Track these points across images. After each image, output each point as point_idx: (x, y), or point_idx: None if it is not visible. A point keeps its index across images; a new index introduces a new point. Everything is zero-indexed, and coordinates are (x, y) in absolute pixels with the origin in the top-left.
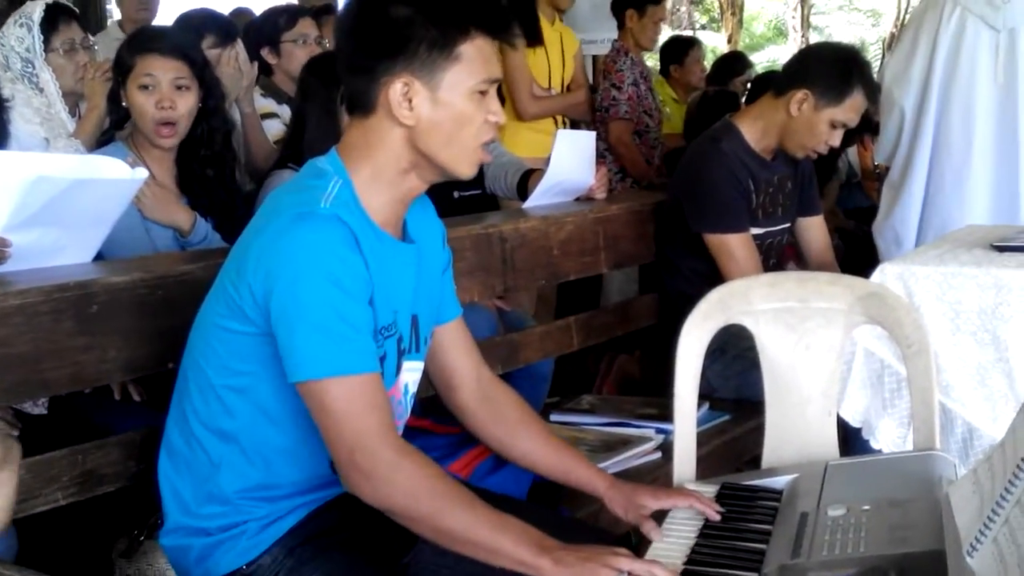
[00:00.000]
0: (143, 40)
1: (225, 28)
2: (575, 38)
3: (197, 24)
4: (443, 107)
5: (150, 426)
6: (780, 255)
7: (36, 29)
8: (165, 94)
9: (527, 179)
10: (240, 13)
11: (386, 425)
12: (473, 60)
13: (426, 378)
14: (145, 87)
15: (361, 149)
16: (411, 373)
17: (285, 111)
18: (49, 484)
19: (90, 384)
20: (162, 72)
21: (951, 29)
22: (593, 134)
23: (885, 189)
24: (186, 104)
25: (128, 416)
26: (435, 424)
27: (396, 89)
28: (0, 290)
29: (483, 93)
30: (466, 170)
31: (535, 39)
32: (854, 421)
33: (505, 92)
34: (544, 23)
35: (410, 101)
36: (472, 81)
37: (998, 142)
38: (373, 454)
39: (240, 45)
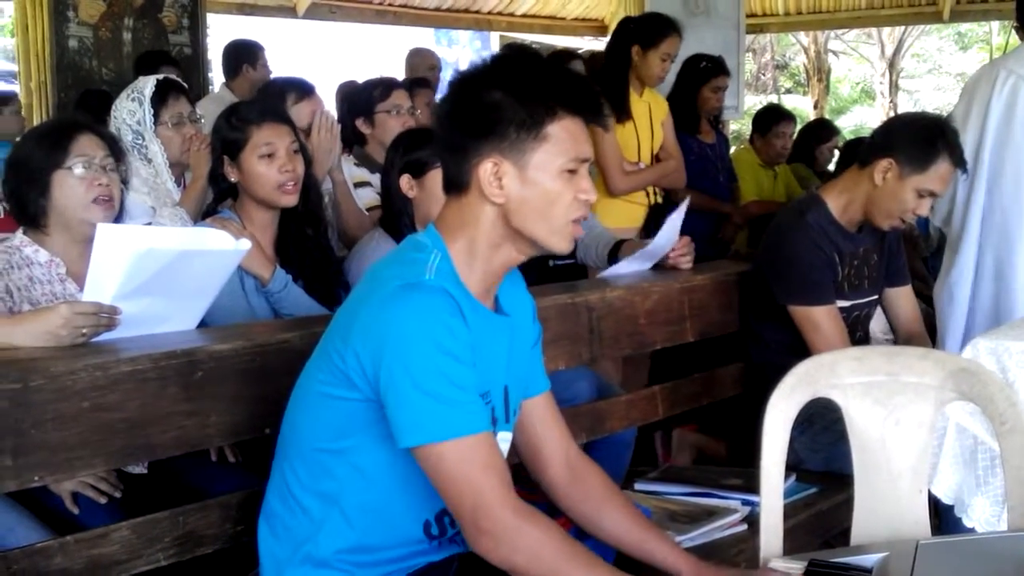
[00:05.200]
0: (252, 113)
1: (300, 84)
2: (664, 104)
3: (278, 89)
4: (532, 186)
5: (248, 489)
6: (867, 327)
7: (147, 103)
8: (285, 159)
9: (617, 250)
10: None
11: (504, 484)
12: (561, 140)
13: (510, 449)
14: (266, 156)
15: (457, 225)
16: (503, 444)
17: (378, 180)
18: (151, 545)
19: (192, 448)
20: (279, 139)
21: (1004, 97)
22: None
23: (945, 252)
24: (301, 165)
25: (224, 478)
26: (524, 492)
27: (486, 169)
28: (112, 357)
29: (572, 171)
30: (560, 245)
31: (624, 114)
32: (946, 498)
33: (596, 168)
34: (633, 95)
35: (500, 180)
36: (560, 160)
37: None
38: (495, 515)
39: (330, 113)
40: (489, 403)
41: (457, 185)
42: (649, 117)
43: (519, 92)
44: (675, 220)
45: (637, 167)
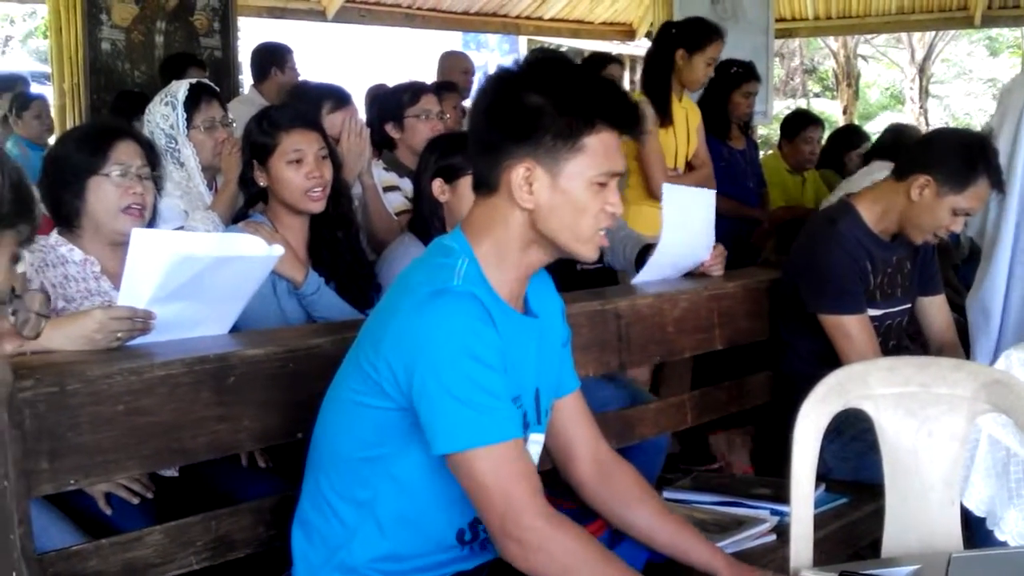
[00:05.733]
0: (282, 118)
1: (339, 94)
2: (698, 111)
3: (314, 96)
4: (562, 194)
5: (277, 493)
6: (900, 336)
7: (180, 107)
8: (313, 166)
9: (645, 253)
10: (377, 90)
11: (534, 491)
12: (596, 152)
13: (543, 452)
14: (294, 161)
15: (484, 226)
16: (534, 446)
17: (407, 184)
18: (184, 548)
19: (225, 452)
20: (307, 145)
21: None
22: (713, 192)
23: (980, 264)
24: (330, 171)
25: (254, 482)
26: (552, 498)
27: (518, 173)
28: (146, 361)
29: (602, 184)
30: (586, 252)
31: (667, 119)
32: (978, 510)
33: (632, 171)
34: (673, 100)
35: (531, 185)
36: (592, 172)
37: None
38: (524, 522)
39: (360, 117)
40: (520, 407)
41: (487, 185)
42: (686, 123)
43: (561, 100)
44: (707, 214)
45: (676, 172)
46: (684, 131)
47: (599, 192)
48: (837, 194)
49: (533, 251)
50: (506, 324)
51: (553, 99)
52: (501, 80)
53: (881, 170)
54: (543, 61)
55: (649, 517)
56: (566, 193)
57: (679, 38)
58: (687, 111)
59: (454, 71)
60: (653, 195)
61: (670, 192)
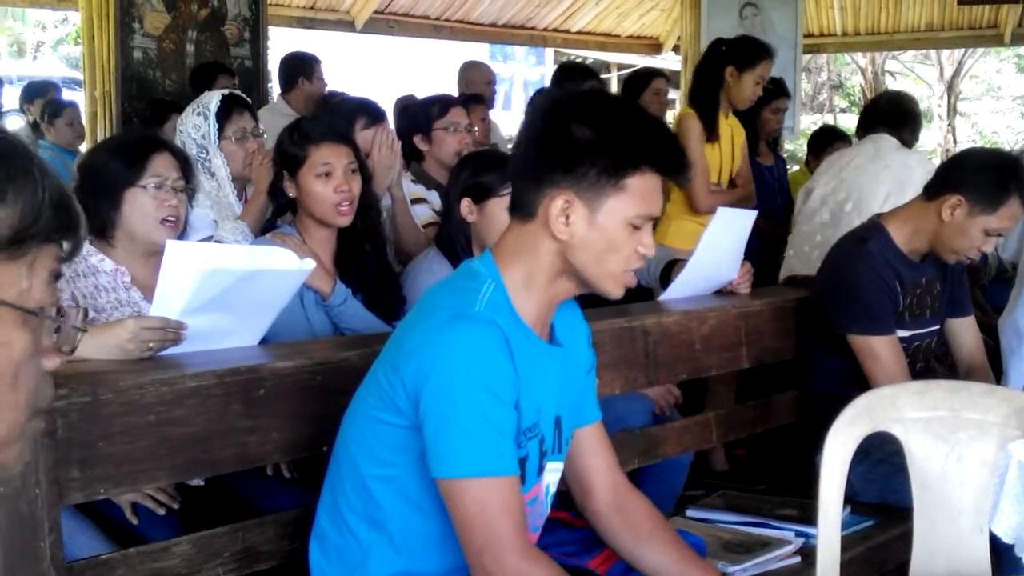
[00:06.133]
0: (312, 131)
1: (374, 111)
2: (742, 130)
3: (348, 110)
4: (597, 230)
5: (303, 505)
6: (928, 358)
7: (212, 118)
8: (342, 179)
9: (670, 269)
10: (404, 101)
11: (517, 529)
12: (637, 194)
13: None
14: (323, 175)
15: (515, 252)
16: (552, 473)
17: (434, 197)
18: (211, 559)
19: (253, 464)
20: (336, 159)
21: None
22: (754, 213)
23: (1016, 284)
24: (358, 185)
25: (279, 493)
26: (573, 518)
27: (557, 204)
28: (177, 372)
29: (637, 227)
30: (612, 290)
31: (714, 135)
32: (1007, 537)
33: (674, 186)
34: (720, 117)
35: (567, 217)
36: (631, 212)
37: None
38: (501, 560)
39: (392, 130)
40: (537, 434)
41: (524, 211)
42: (731, 140)
43: (610, 137)
44: (743, 234)
45: (719, 188)
46: (729, 148)
47: (633, 233)
48: (838, 164)
49: (561, 282)
50: (529, 351)
51: (602, 135)
52: (551, 108)
53: (888, 143)
54: (595, 94)
55: (660, 552)
56: (602, 230)
57: (729, 55)
58: (733, 128)
59: (478, 82)
60: (694, 210)
61: (722, 214)
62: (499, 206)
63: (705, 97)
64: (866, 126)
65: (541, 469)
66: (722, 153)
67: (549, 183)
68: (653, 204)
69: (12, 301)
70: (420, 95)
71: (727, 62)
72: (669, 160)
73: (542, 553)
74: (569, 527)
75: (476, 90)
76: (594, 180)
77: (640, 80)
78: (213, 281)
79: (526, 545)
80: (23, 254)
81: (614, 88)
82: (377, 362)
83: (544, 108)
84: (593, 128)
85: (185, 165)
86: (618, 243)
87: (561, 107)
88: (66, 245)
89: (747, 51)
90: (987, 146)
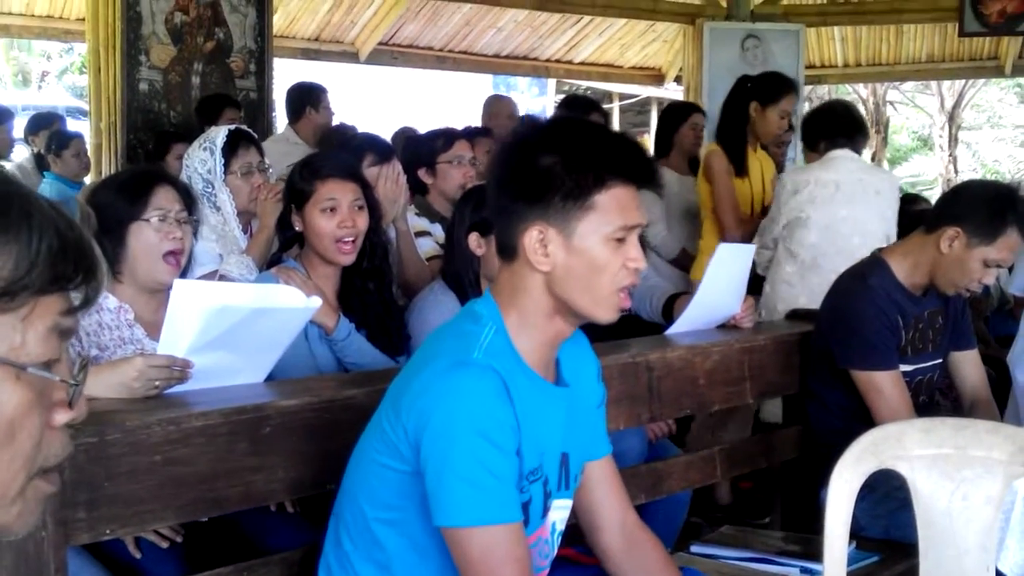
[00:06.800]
0: (320, 167)
1: (383, 148)
2: (772, 164)
3: (357, 146)
4: (578, 254)
5: (306, 540)
6: (931, 392)
7: (218, 153)
8: (346, 215)
9: (672, 303)
10: (404, 133)
11: None
12: (608, 210)
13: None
14: (328, 210)
15: (509, 293)
16: (559, 512)
17: (438, 230)
18: None
19: (259, 503)
20: (342, 195)
21: None
22: (753, 247)
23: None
24: (364, 222)
25: (282, 528)
26: (579, 554)
27: (532, 236)
28: (183, 411)
29: (621, 240)
30: (604, 315)
31: (743, 171)
32: (1012, 574)
33: (707, 214)
34: (748, 151)
35: (545, 247)
36: (607, 229)
37: None
38: None
39: (398, 164)
40: (539, 478)
41: (507, 251)
42: (761, 173)
43: (569, 160)
44: (744, 268)
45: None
46: (760, 180)
47: (618, 248)
48: (793, 179)
49: (557, 321)
50: (532, 394)
51: (562, 159)
52: (514, 143)
53: (843, 155)
54: (558, 122)
55: None
56: (582, 252)
57: (753, 91)
58: (762, 162)
59: (499, 116)
60: (722, 237)
61: (723, 250)
62: None
63: (731, 133)
64: (827, 137)
65: (546, 510)
66: (752, 186)
67: (519, 217)
68: (628, 215)
69: (2, 356)
70: (422, 126)
71: (751, 98)
72: (632, 169)
73: None
74: (575, 564)
75: (499, 123)
76: (561, 205)
77: (677, 113)
78: (220, 319)
79: None
80: (17, 307)
81: (616, 117)
82: (381, 406)
83: (506, 146)
84: (554, 154)
85: (187, 197)
86: (602, 262)
87: (523, 141)
88: (76, 295)
89: (770, 86)
90: (986, 177)
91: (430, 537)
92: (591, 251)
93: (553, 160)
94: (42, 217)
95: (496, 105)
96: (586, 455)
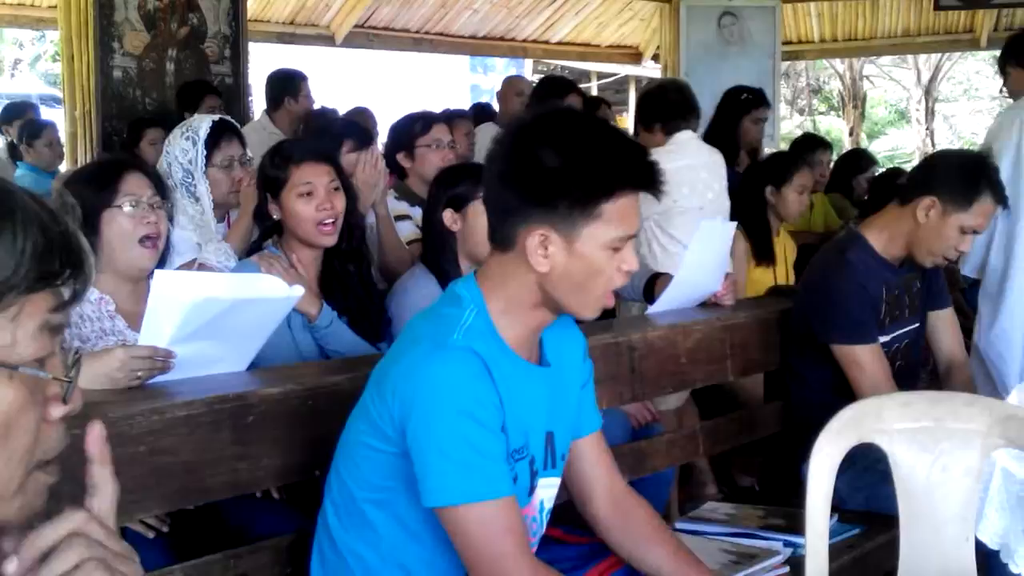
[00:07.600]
0: (292, 152)
1: (361, 134)
2: (794, 244)
3: (337, 132)
4: (577, 259)
5: (292, 527)
6: (908, 358)
7: (200, 144)
8: (324, 198)
9: (654, 282)
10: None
11: (521, 548)
12: (612, 218)
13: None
14: (304, 194)
15: (497, 280)
16: (546, 490)
17: (417, 213)
18: None
19: (244, 491)
20: (317, 177)
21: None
22: (734, 224)
23: (982, 302)
24: (341, 204)
25: (268, 515)
26: (566, 534)
27: (534, 239)
28: (167, 401)
29: (617, 248)
30: (589, 314)
31: (769, 260)
32: (992, 544)
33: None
34: (773, 239)
35: (546, 249)
36: (609, 236)
37: None
38: None
39: (377, 149)
40: (526, 455)
41: (501, 243)
42: (784, 256)
43: (578, 165)
44: (726, 246)
45: None
46: (783, 265)
47: (614, 255)
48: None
49: (541, 311)
50: (513, 374)
51: (570, 163)
52: (517, 136)
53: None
54: (561, 115)
55: (663, 557)
56: (582, 258)
57: (764, 175)
58: (785, 244)
59: (509, 94)
60: None
61: (704, 228)
62: (479, 210)
63: (753, 221)
64: (667, 118)
65: (533, 488)
66: (776, 272)
67: (523, 217)
68: (630, 224)
69: None
70: (400, 109)
71: (764, 182)
72: (640, 177)
73: (551, 568)
74: (562, 543)
75: (508, 102)
76: (567, 212)
77: (741, 105)
78: (202, 310)
79: (533, 561)
80: (4, 307)
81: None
82: (367, 388)
83: (507, 138)
84: (560, 154)
85: (158, 182)
86: (599, 267)
87: (527, 133)
88: (64, 291)
89: (780, 166)
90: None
91: (418, 516)
92: (591, 256)
93: (560, 162)
94: (25, 214)
95: (506, 85)
96: (572, 433)
